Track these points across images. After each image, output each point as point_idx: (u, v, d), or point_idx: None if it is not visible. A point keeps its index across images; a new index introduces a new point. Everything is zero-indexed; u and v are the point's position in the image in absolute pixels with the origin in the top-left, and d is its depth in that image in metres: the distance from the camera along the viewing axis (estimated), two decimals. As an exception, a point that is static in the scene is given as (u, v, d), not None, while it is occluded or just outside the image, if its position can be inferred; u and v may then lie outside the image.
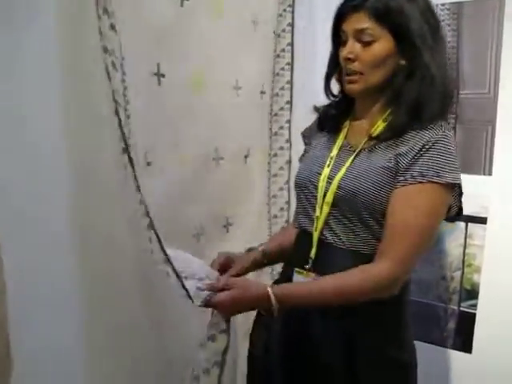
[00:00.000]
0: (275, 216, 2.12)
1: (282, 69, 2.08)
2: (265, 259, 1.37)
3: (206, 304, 1.10)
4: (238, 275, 1.28)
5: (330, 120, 1.31)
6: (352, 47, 1.16)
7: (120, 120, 0.96)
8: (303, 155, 1.43)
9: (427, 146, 1.11)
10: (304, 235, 1.28)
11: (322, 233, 1.22)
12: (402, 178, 1.13)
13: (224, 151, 1.82)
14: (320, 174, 1.23)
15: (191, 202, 1.65)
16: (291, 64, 2.08)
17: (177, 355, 1.31)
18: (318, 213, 1.22)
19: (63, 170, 0.84)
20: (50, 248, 0.86)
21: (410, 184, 1.11)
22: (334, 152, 1.25)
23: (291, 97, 2.12)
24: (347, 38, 1.17)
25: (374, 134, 1.19)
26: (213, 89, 1.69)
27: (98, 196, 0.93)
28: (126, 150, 0.96)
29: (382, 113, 1.20)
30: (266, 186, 2.13)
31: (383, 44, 1.15)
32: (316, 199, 1.23)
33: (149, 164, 1.42)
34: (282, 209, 2.13)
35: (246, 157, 1.97)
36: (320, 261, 1.21)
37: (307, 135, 1.42)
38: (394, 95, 1.17)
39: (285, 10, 2.04)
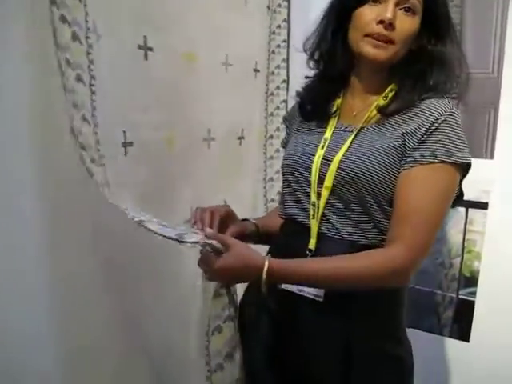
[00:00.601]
0: (272, 200, 2.06)
1: (278, 46, 2.01)
2: (256, 235, 1.29)
3: (202, 255, 1.06)
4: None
5: (317, 103, 1.23)
6: (395, 13, 1.07)
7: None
8: (286, 140, 1.35)
9: (436, 124, 1.05)
10: (295, 226, 1.20)
11: (318, 224, 1.14)
12: (410, 159, 1.06)
13: (216, 132, 1.74)
14: (313, 155, 1.15)
15: (180, 186, 1.58)
16: (287, 41, 2.01)
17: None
18: (313, 198, 1.14)
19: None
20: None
21: (421, 164, 1.04)
22: (328, 134, 1.17)
23: (288, 76, 2.04)
24: (385, 0, 1.07)
25: (381, 107, 1.12)
26: (204, 65, 1.60)
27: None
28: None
29: (381, 90, 1.14)
30: (263, 169, 2.07)
31: (418, 19, 1.09)
32: (309, 184, 1.15)
33: (129, 144, 1.34)
34: (279, 192, 2.07)
35: (239, 138, 1.90)
36: (320, 253, 1.13)
37: (289, 119, 1.35)
38: (403, 73, 1.12)
39: (280, -16, 1.96)
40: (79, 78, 1.05)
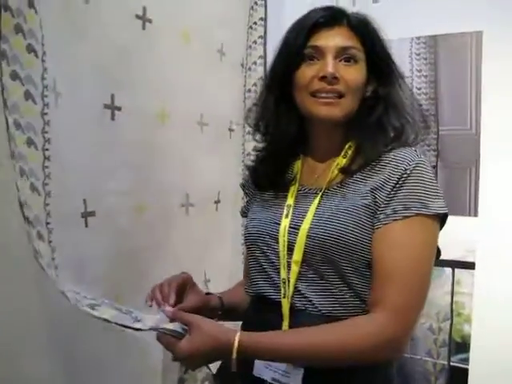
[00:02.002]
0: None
1: (255, 105, 1.99)
2: (220, 310, 1.18)
3: (160, 339, 0.96)
4: (189, 310, 1.07)
5: (272, 175, 1.14)
6: (336, 65, 1.03)
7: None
8: (246, 208, 1.25)
9: (405, 175, 1.00)
10: (266, 304, 1.09)
11: (291, 300, 1.05)
12: (382, 216, 0.99)
13: (195, 196, 1.68)
14: (279, 224, 1.07)
15: (153, 260, 1.47)
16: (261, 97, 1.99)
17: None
18: (284, 275, 1.05)
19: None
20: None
21: (394, 220, 0.98)
22: (290, 200, 1.10)
23: (265, 135, 2.02)
24: (322, 55, 1.04)
25: (342, 167, 1.06)
26: (177, 125, 1.56)
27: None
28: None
29: (341, 148, 1.08)
30: (240, 235, 1.97)
31: (362, 67, 1.06)
32: (278, 257, 1.06)
33: (90, 214, 1.25)
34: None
35: (216, 202, 1.84)
36: None
37: (247, 185, 1.26)
38: (360, 126, 1.06)
39: (255, 42, 1.98)
40: (30, 142, 0.98)
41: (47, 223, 1.02)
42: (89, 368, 1.28)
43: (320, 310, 1.02)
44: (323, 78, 1.02)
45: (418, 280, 0.98)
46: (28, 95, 0.99)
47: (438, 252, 1.06)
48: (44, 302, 1.16)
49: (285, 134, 1.11)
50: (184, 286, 1.11)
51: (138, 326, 0.93)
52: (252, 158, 1.25)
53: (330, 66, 1.02)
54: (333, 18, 1.05)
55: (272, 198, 1.14)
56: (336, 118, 1.04)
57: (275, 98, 1.11)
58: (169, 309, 1.00)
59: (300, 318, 1.03)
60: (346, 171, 1.06)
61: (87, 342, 1.25)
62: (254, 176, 1.19)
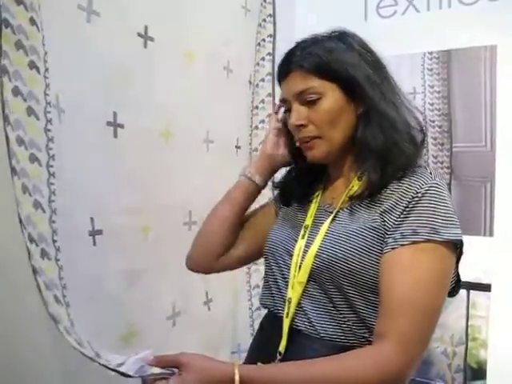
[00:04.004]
0: (257, 286, 1.98)
1: (262, 121, 2.01)
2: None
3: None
4: None
5: (298, 190, 1.18)
6: (299, 112, 1.05)
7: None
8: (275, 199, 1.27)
9: (417, 198, 0.97)
10: (272, 319, 1.09)
11: (293, 319, 1.04)
12: (390, 240, 0.97)
13: (198, 214, 1.63)
14: (296, 241, 1.08)
15: (159, 279, 1.48)
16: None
17: None
18: (290, 294, 1.05)
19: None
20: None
21: (402, 245, 0.95)
22: (309, 220, 1.10)
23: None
24: (290, 104, 1.07)
25: (351, 194, 1.06)
26: (182, 142, 1.57)
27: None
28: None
29: (355, 170, 1.09)
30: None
31: (331, 97, 1.04)
32: (290, 274, 1.06)
33: (98, 232, 1.26)
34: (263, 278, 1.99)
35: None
36: (291, 355, 1.01)
37: (276, 200, 1.27)
38: (362, 148, 1.06)
39: (263, 59, 2.00)
40: (34, 158, 0.98)
41: (54, 241, 1.01)
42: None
43: (319, 333, 1.00)
44: (295, 129, 1.07)
45: (426, 313, 0.95)
46: (30, 111, 0.99)
47: (459, 280, 1.04)
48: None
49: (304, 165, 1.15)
50: None
51: (123, 370, 0.88)
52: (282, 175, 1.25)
53: (292, 117, 1.06)
54: (286, 65, 1.07)
55: (295, 213, 1.16)
56: (319, 159, 1.07)
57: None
58: (149, 354, 0.93)
59: (298, 339, 1.02)
60: (354, 198, 1.05)
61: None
62: (282, 192, 1.22)
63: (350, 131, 1.06)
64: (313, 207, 1.12)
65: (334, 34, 1.08)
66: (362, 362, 0.93)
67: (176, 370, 0.90)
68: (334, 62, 1.04)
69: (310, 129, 1.05)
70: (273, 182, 1.26)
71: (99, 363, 0.87)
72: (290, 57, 1.07)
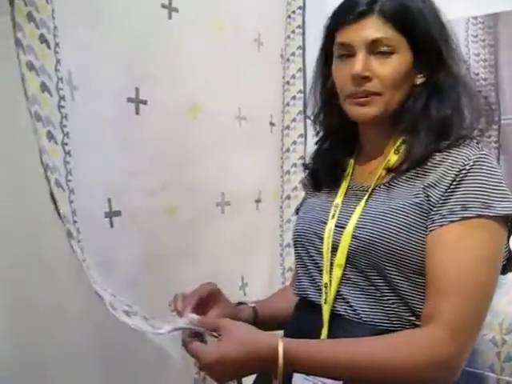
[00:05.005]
0: (290, 269, 1.93)
1: (293, 98, 1.95)
2: (252, 323, 1.11)
3: (186, 344, 0.87)
4: None
5: (327, 169, 1.13)
6: (366, 63, 0.98)
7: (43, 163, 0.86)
8: (301, 205, 1.23)
9: (464, 171, 0.92)
10: (308, 307, 1.05)
11: (332, 304, 1.00)
12: (437, 216, 0.92)
13: (231, 195, 1.63)
14: (325, 224, 1.03)
15: (184, 263, 1.42)
16: (303, 92, 1.94)
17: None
18: (326, 279, 1.00)
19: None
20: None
21: (451, 222, 0.90)
22: (339, 199, 1.06)
23: (305, 130, 1.97)
24: (354, 51, 0.99)
25: (390, 166, 1.01)
26: (211, 119, 1.51)
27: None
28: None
29: (393, 142, 1.04)
30: (278, 234, 1.95)
31: (403, 56, 0.98)
32: (322, 258, 1.02)
33: (115, 214, 1.21)
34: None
35: (257, 201, 1.79)
36: None
37: (307, 183, 1.23)
38: (412, 120, 1.00)
39: (293, 32, 1.93)
40: (50, 136, 0.95)
41: (74, 221, 0.99)
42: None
43: (361, 318, 0.96)
44: (354, 79, 0.98)
45: (479, 292, 0.89)
46: (44, 87, 0.96)
47: (510, 259, 0.99)
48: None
49: (336, 131, 1.11)
50: (209, 297, 1.05)
51: (166, 329, 0.88)
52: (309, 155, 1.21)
53: (358, 64, 0.97)
54: (361, 7, 0.98)
55: (323, 197, 1.11)
56: (371, 118, 1.00)
57: (322, 94, 1.11)
58: (192, 316, 0.92)
59: (340, 325, 0.98)
60: (393, 171, 1.00)
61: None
62: (310, 174, 1.18)
63: (404, 98, 1.00)
64: (343, 187, 1.08)
65: None
66: (413, 343, 0.88)
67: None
68: (415, 15, 0.98)
69: (374, 83, 0.98)
70: (303, 164, 1.23)
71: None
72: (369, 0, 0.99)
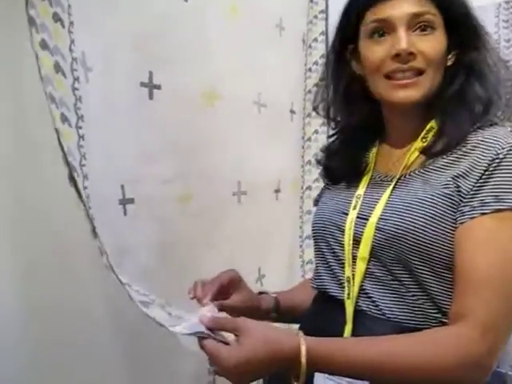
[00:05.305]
0: (310, 261, 1.89)
1: (317, 85, 1.87)
2: (273, 311, 1.11)
3: (204, 345, 0.82)
4: (232, 308, 1.00)
5: (345, 165, 1.07)
6: (409, 39, 0.91)
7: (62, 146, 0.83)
8: (319, 197, 1.18)
9: (497, 160, 0.87)
10: (328, 301, 1.01)
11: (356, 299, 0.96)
12: (467, 208, 0.87)
13: (248, 184, 1.58)
14: (347, 215, 0.99)
15: (200, 254, 1.37)
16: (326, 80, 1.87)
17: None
18: (348, 273, 0.96)
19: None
20: None
21: (482, 214, 0.86)
22: (361, 189, 1.01)
23: (328, 118, 1.90)
24: (391, 28, 0.94)
25: (420, 153, 0.96)
26: (229, 105, 1.46)
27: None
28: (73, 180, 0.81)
29: (421, 130, 0.98)
30: (298, 226, 1.91)
31: (441, 34, 0.94)
32: (344, 251, 0.98)
33: (129, 201, 1.17)
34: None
35: (276, 191, 1.75)
36: None
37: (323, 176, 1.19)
38: (446, 103, 0.95)
39: (316, 17, 1.88)
40: (64, 119, 0.92)
41: (89, 207, 0.95)
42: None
43: (385, 314, 0.91)
44: (397, 57, 0.92)
45: (511, 289, 0.84)
46: (58, 67, 0.92)
47: None
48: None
49: (356, 119, 1.05)
50: (230, 285, 1.03)
51: (181, 329, 0.84)
52: (322, 148, 1.15)
53: (402, 40, 0.91)
54: None
55: (344, 188, 1.06)
56: (415, 101, 0.94)
57: (342, 78, 1.05)
58: (206, 314, 0.87)
59: (362, 321, 0.93)
60: (426, 152, 0.95)
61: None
62: (326, 169, 1.12)
63: (440, 80, 0.96)
64: (365, 178, 1.03)
65: None
66: (442, 342, 0.83)
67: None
68: None
69: (418, 62, 0.92)
70: (316, 160, 1.18)
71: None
72: None
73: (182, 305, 0.93)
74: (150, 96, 1.23)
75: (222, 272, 1.04)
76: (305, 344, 0.80)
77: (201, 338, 0.82)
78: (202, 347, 0.82)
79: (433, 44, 0.93)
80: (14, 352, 1.01)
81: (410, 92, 0.93)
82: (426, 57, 0.92)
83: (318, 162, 1.15)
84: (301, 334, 0.82)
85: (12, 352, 1.01)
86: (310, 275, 1.72)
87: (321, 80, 1.11)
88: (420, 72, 0.92)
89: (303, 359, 0.79)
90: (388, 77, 0.94)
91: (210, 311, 0.89)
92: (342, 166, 1.07)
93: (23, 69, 0.96)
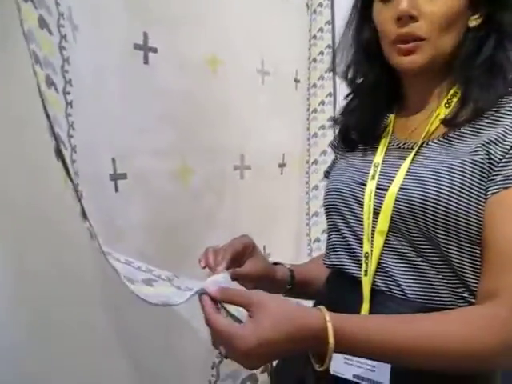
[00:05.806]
0: (317, 239, 1.85)
1: (321, 53, 1.83)
2: (289, 283, 1.05)
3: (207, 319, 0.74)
4: (246, 276, 0.93)
5: (363, 126, 1.03)
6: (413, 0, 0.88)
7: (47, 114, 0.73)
8: (330, 168, 1.14)
9: None
10: (343, 280, 0.96)
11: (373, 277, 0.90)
12: (500, 178, 0.82)
13: (251, 158, 1.51)
14: (365, 186, 0.94)
15: (199, 232, 1.30)
16: (332, 47, 1.81)
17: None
18: (366, 248, 0.91)
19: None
20: None
21: None
22: (379, 157, 0.96)
23: (334, 88, 1.85)
24: None
25: (445, 118, 0.90)
26: (231, 73, 1.38)
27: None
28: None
29: (443, 95, 0.93)
30: (305, 202, 1.85)
31: None
32: (362, 225, 0.92)
33: (121, 176, 1.10)
34: (325, 231, 1.84)
35: (280, 166, 1.68)
36: None
37: (337, 145, 1.14)
38: (465, 67, 0.90)
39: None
40: (50, 82, 0.81)
41: (76, 184, 0.87)
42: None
43: (406, 294, 0.86)
44: (399, 20, 0.89)
45: None
46: (42, 22, 0.81)
47: None
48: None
49: (374, 83, 1.01)
50: (244, 251, 0.96)
51: (190, 292, 0.76)
52: (340, 110, 1.10)
53: (403, 2, 0.87)
54: None
55: (360, 156, 1.01)
56: (420, 66, 0.89)
57: (359, 42, 1.02)
58: (217, 279, 0.80)
59: (381, 302, 0.88)
60: (449, 123, 0.89)
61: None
62: (342, 130, 1.08)
63: (456, 43, 0.89)
64: (383, 144, 0.98)
65: None
66: (473, 322, 0.76)
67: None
68: None
69: (420, 25, 0.88)
70: (332, 118, 1.15)
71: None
72: None
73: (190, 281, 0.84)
74: (145, 60, 1.14)
75: (234, 238, 0.97)
76: (328, 316, 0.72)
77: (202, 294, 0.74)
78: (210, 324, 0.73)
79: (439, 6, 0.87)
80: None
81: (412, 57, 0.89)
82: (430, 20, 0.87)
83: (335, 121, 1.09)
84: (323, 309, 0.74)
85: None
86: (316, 254, 1.66)
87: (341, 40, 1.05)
88: (420, 38, 0.88)
89: (331, 339, 0.71)
90: (394, 43, 0.91)
91: (223, 278, 0.81)
92: (359, 127, 1.03)
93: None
